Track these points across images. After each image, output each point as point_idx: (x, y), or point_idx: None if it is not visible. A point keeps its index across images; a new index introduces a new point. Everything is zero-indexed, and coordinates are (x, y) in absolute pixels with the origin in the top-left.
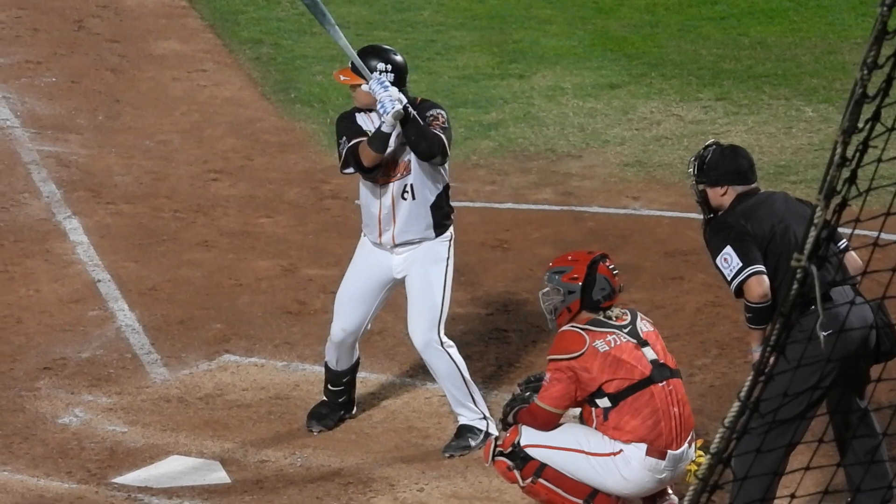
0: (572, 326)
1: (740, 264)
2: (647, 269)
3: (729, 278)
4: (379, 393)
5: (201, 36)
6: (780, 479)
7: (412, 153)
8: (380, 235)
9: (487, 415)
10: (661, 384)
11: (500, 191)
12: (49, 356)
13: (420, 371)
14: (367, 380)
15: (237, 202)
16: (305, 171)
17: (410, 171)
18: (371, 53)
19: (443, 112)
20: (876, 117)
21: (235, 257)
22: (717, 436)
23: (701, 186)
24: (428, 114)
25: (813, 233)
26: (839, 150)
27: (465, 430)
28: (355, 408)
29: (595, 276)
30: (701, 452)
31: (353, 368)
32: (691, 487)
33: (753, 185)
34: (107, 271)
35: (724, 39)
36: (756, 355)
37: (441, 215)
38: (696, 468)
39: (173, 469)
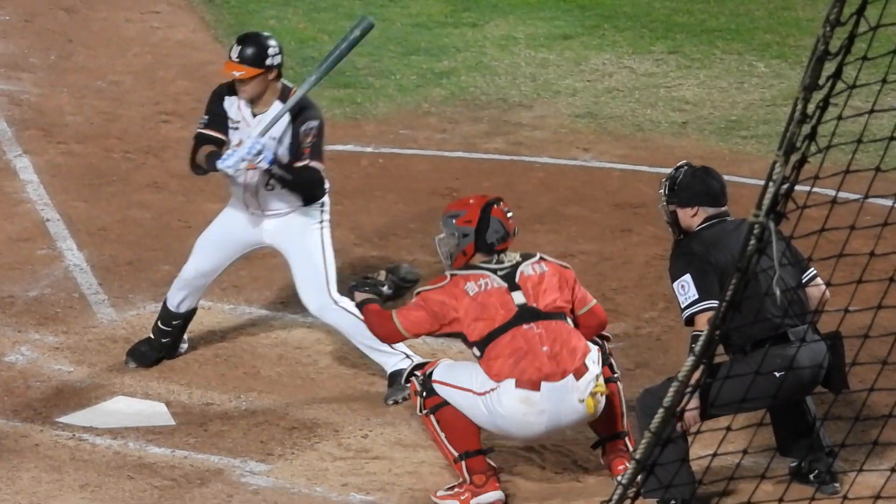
0: (448, 271)
1: (696, 297)
2: (596, 221)
3: (682, 306)
4: (325, 339)
5: None
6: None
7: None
8: (246, 207)
9: (409, 352)
10: (525, 326)
11: (451, 139)
12: None
13: None
14: (314, 325)
15: (188, 144)
16: None
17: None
18: (251, 42)
19: (315, 125)
20: (837, 74)
21: (185, 199)
22: (670, 390)
23: (672, 207)
24: (302, 129)
25: (771, 188)
26: (799, 106)
27: (396, 376)
28: (177, 353)
29: (489, 220)
30: (601, 384)
31: (188, 315)
32: (643, 441)
33: (724, 208)
34: (56, 211)
35: None
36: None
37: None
38: (594, 401)
39: (118, 409)
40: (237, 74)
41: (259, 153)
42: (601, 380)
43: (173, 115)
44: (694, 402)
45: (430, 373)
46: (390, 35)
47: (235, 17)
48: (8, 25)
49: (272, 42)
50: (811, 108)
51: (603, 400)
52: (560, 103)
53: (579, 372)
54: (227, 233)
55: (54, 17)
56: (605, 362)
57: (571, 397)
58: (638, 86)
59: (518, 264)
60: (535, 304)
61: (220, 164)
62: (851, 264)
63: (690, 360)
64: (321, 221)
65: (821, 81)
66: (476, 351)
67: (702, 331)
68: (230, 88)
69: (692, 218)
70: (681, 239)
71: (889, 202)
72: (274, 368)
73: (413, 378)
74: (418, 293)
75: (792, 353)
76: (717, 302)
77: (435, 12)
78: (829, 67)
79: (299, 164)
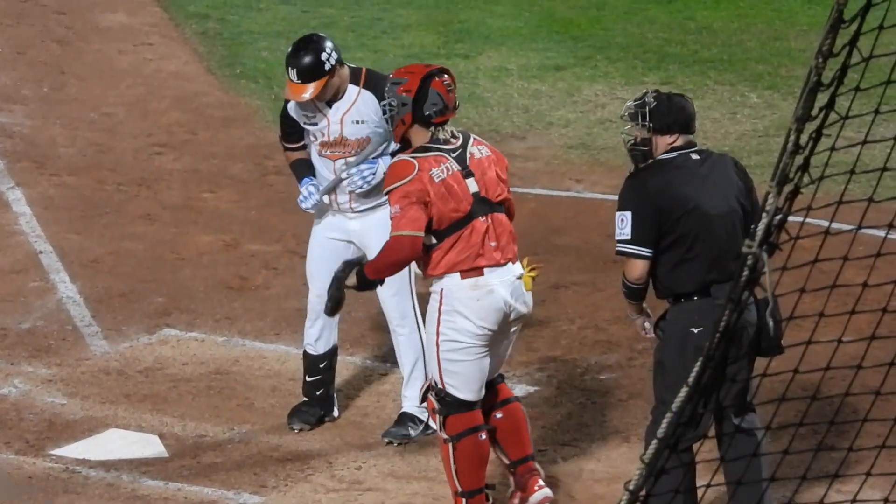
0: (400, 156)
1: (628, 237)
2: (589, 252)
3: (616, 237)
4: None
5: (148, 9)
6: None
7: (361, 134)
8: (338, 207)
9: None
10: (481, 220)
11: None
12: None
13: (360, 349)
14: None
15: (181, 176)
16: (250, 146)
17: (357, 152)
18: (306, 54)
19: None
20: (830, 105)
21: (178, 231)
22: (664, 421)
23: (649, 134)
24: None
25: (765, 219)
26: (792, 137)
27: (406, 418)
28: (336, 411)
29: (427, 91)
30: (532, 267)
31: (331, 355)
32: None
33: (692, 137)
34: (49, 242)
35: (670, 23)
36: (637, 323)
37: None
38: (530, 279)
39: (111, 442)
40: (307, 96)
41: (365, 180)
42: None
43: (166, 147)
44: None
45: (435, 382)
46: (383, 66)
47: (228, 49)
48: (0, 57)
49: (323, 44)
50: (804, 138)
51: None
52: (553, 134)
53: (515, 259)
54: (326, 248)
55: (47, 48)
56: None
57: (511, 276)
58: None
59: (465, 144)
60: (486, 195)
61: (305, 206)
62: (845, 295)
63: (684, 391)
64: None
65: (813, 112)
66: (433, 239)
67: (624, 278)
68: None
69: (668, 145)
70: (642, 169)
71: (882, 233)
72: (267, 400)
73: (429, 395)
74: (389, 192)
75: (709, 309)
76: (645, 251)
77: (427, 44)
78: (822, 98)
79: None
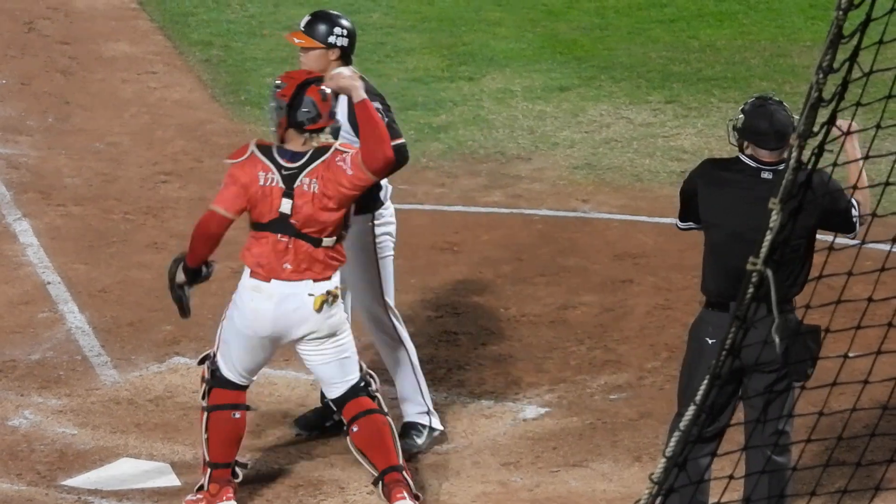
0: (251, 141)
1: (679, 215)
2: (596, 272)
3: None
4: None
5: (151, 38)
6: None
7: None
8: None
9: (430, 408)
10: (279, 237)
11: (450, 193)
12: None
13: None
14: (317, 382)
15: (187, 204)
16: None
17: None
18: (322, 18)
19: (376, 105)
20: (831, 121)
21: None
22: (673, 440)
23: (734, 131)
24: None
25: (769, 237)
26: (795, 154)
27: (409, 428)
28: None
29: (302, 98)
30: (335, 295)
31: None
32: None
33: (770, 152)
34: (57, 273)
35: (673, 42)
36: None
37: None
38: (321, 299)
39: (123, 471)
40: (296, 41)
41: None
42: (335, 295)
43: (172, 175)
44: None
45: (213, 353)
46: (387, 90)
47: (232, 77)
48: (4, 88)
49: (343, 22)
50: (806, 154)
51: (334, 308)
52: (558, 155)
53: (316, 279)
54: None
55: (51, 79)
56: (370, 395)
57: (302, 291)
58: (636, 136)
59: (307, 165)
60: (294, 222)
61: None
62: (851, 310)
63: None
64: (374, 241)
65: (815, 128)
66: (250, 226)
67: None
68: None
69: (746, 149)
70: (717, 160)
71: (887, 247)
72: (278, 426)
73: (205, 363)
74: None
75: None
76: (684, 224)
77: (431, 67)
78: (824, 114)
79: None
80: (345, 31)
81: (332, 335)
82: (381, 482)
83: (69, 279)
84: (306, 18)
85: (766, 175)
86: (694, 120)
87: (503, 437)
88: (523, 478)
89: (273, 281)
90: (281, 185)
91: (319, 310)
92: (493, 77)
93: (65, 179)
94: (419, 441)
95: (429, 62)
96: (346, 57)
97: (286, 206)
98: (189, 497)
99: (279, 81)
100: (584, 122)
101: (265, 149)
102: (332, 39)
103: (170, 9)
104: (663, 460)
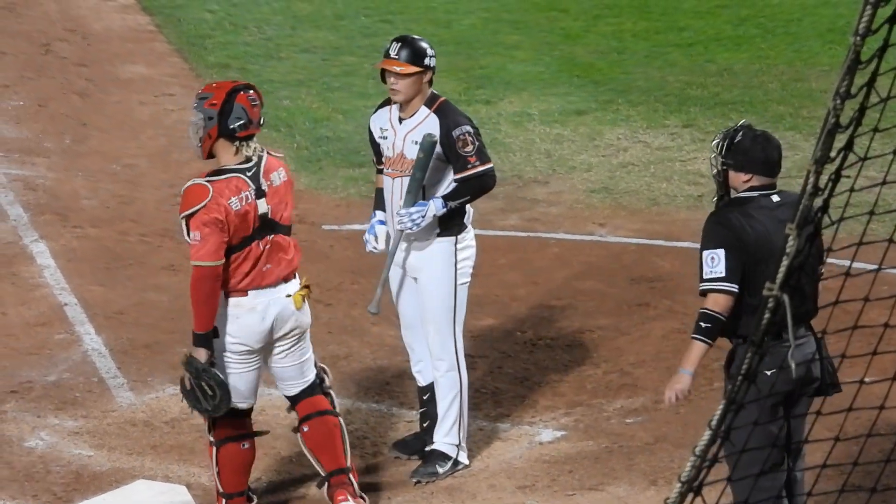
0: (195, 180)
1: (722, 275)
2: (612, 296)
3: (705, 276)
4: (345, 418)
5: (168, 60)
6: None
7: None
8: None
9: (462, 443)
10: (258, 242)
11: None
12: (15, 379)
13: (386, 396)
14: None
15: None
16: None
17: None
18: (412, 42)
19: (469, 129)
20: (849, 146)
21: None
22: (688, 464)
23: (724, 167)
24: (454, 135)
25: (785, 262)
26: (811, 179)
27: (434, 456)
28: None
29: (232, 105)
30: (305, 286)
31: (430, 387)
32: None
33: (774, 180)
34: (73, 295)
35: (690, 66)
36: (686, 381)
37: (447, 213)
38: (300, 297)
39: (139, 493)
40: (397, 70)
41: (416, 223)
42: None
43: None
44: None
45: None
46: None
47: None
48: (21, 110)
49: (428, 44)
50: (823, 180)
51: (306, 304)
52: (575, 179)
53: (289, 277)
54: (395, 281)
55: (68, 101)
56: (325, 393)
57: (280, 294)
58: (653, 160)
59: (260, 162)
60: (274, 217)
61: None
62: (868, 335)
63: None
64: (455, 261)
65: (832, 154)
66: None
67: (710, 309)
68: (380, 107)
69: (743, 183)
70: (723, 206)
71: None
72: (293, 449)
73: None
74: (186, 217)
75: (784, 350)
76: (736, 288)
77: (448, 90)
78: (841, 139)
79: (468, 173)
80: (433, 52)
81: (305, 330)
82: (326, 483)
83: (85, 301)
84: (396, 45)
85: (774, 198)
86: (711, 144)
87: (519, 461)
88: (539, 501)
89: (250, 292)
90: (252, 190)
91: (300, 307)
92: (511, 100)
93: (81, 201)
94: (440, 470)
95: (446, 85)
96: (432, 80)
97: (262, 205)
98: None
99: (204, 93)
100: (602, 145)
101: (215, 172)
102: (427, 61)
103: (187, 31)
104: (678, 485)
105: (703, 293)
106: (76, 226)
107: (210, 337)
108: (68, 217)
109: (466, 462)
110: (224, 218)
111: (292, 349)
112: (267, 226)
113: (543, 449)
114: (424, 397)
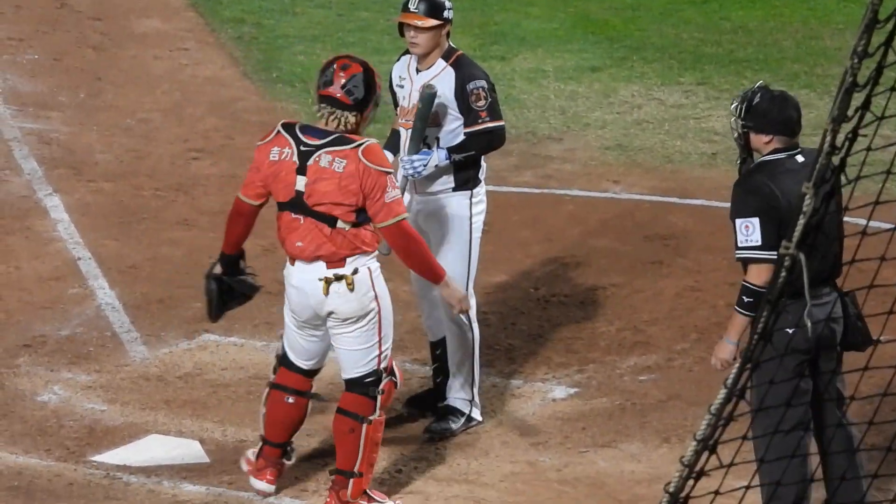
0: (280, 124)
1: (759, 243)
2: (626, 254)
3: (741, 245)
4: None
5: (183, 14)
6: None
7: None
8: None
9: (476, 399)
10: (293, 216)
11: None
12: (29, 333)
13: (399, 352)
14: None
15: (218, 181)
16: None
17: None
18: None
19: (483, 84)
20: (866, 106)
21: (216, 236)
22: (703, 422)
23: (745, 129)
24: (468, 88)
25: (802, 220)
26: (828, 138)
27: (447, 412)
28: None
29: (328, 67)
30: (346, 279)
31: (441, 342)
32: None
33: (796, 139)
34: (87, 249)
35: (705, 24)
36: (730, 350)
37: (461, 168)
38: (327, 284)
39: (152, 448)
40: (418, 23)
41: (417, 170)
42: (348, 279)
43: (203, 153)
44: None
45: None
46: None
47: (264, 54)
48: (36, 64)
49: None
50: (840, 139)
51: (340, 289)
52: (589, 136)
53: (330, 262)
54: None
55: (82, 55)
56: (370, 396)
57: (313, 276)
58: (667, 117)
59: (326, 145)
60: (307, 200)
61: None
62: (883, 294)
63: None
64: (470, 216)
65: (849, 113)
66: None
67: (752, 283)
68: (403, 54)
69: (765, 144)
70: (749, 172)
71: None
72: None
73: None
74: None
75: (803, 308)
76: (775, 255)
77: (463, 46)
78: (858, 98)
79: (477, 128)
80: (451, 4)
81: (352, 321)
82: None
83: (99, 255)
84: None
85: (799, 158)
86: (725, 102)
87: (532, 417)
88: (552, 458)
89: (296, 263)
90: (295, 159)
91: (327, 294)
92: (525, 57)
93: (96, 155)
94: (454, 426)
95: (461, 41)
96: (450, 32)
97: (300, 183)
98: (248, 455)
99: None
100: (616, 102)
101: (289, 126)
102: (446, 14)
103: None
104: (693, 443)
105: (742, 262)
106: (90, 180)
107: (227, 259)
108: (82, 171)
109: (479, 418)
110: (261, 161)
111: (339, 335)
112: (302, 205)
113: (556, 406)
114: (437, 352)
